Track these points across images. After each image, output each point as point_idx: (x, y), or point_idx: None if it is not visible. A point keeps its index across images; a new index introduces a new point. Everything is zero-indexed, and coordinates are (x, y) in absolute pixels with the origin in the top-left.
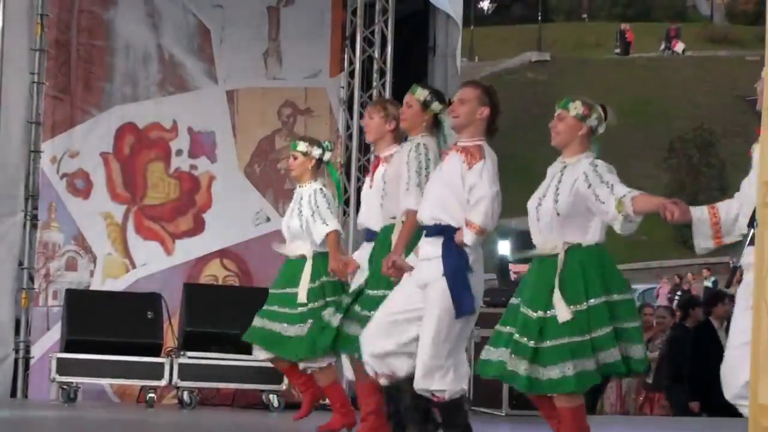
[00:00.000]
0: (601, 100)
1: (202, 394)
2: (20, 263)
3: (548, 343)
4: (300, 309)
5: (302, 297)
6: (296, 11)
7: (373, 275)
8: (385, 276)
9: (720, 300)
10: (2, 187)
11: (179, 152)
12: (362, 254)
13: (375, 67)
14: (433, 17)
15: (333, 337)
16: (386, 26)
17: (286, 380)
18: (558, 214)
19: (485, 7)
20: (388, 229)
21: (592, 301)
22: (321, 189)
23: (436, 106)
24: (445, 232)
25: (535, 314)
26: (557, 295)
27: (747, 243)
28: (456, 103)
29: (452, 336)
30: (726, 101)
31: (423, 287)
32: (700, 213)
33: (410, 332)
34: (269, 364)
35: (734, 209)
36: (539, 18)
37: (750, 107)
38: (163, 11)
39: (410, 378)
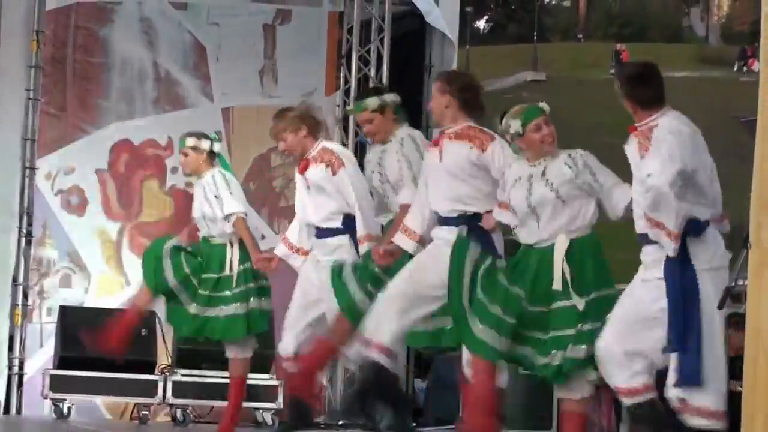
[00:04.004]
0: (596, 120)
1: (196, 412)
2: (14, 280)
3: (553, 333)
4: (233, 291)
5: (234, 282)
6: (292, 29)
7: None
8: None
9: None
10: None
11: (174, 169)
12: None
13: (370, 85)
14: (429, 36)
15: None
16: (382, 45)
17: (281, 398)
18: (563, 202)
19: (481, 27)
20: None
21: (596, 293)
22: (219, 172)
23: (389, 98)
24: (470, 220)
25: (537, 309)
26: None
27: (740, 264)
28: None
29: None
30: (721, 122)
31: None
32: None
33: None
34: (263, 383)
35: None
36: (535, 38)
37: (744, 128)
38: (159, 29)
39: None
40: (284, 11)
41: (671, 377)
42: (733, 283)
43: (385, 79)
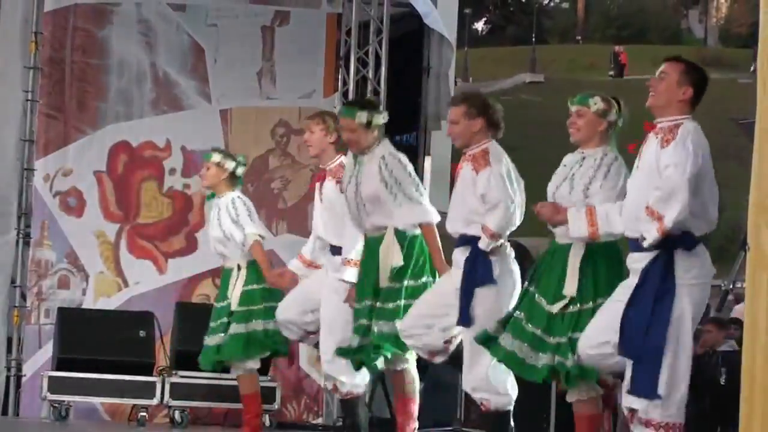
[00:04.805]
0: None
1: (194, 414)
2: (12, 281)
3: (557, 339)
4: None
5: (234, 304)
6: (290, 31)
7: (362, 285)
8: (374, 286)
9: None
10: None
11: (172, 171)
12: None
13: (369, 87)
14: (428, 38)
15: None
16: (380, 47)
17: (278, 399)
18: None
19: (479, 28)
20: (375, 241)
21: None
22: (239, 197)
23: (380, 119)
24: (471, 242)
25: (546, 307)
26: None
27: (738, 266)
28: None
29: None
30: (718, 124)
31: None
32: (575, 209)
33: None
34: (261, 384)
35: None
36: (533, 39)
37: (742, 130)
38: (157, 30)
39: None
40: (282, 13)
41: (626, 384)
42: (731, 286)
43: (383, 81)
